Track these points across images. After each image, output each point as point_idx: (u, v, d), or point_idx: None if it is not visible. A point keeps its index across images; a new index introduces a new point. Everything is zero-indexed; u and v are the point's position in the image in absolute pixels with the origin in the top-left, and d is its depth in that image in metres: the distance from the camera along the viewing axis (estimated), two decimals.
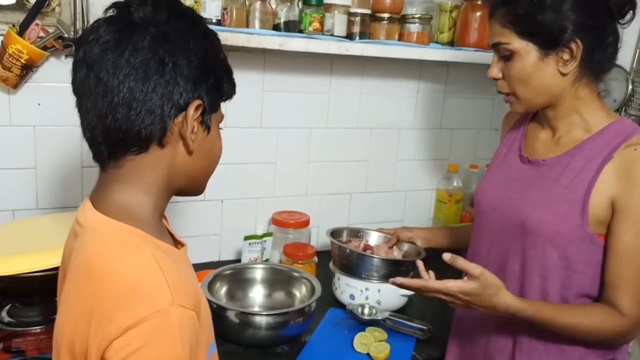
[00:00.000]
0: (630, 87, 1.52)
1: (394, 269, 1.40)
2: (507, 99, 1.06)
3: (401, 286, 1.06)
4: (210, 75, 0.72)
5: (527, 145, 1.12)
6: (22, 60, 1.30)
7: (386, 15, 1.52)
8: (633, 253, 0.95)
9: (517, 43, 0.98)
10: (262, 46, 1.37)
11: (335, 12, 1.45)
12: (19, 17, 1.33)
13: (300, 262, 1.49)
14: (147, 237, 0.70)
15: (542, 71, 0.99)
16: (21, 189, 1.42)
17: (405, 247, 1.49)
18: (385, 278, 1.39)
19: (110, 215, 0.70)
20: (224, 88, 0.75)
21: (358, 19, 1.49)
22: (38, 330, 1.14)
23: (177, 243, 0.82)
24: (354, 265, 1.40)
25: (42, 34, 1.33)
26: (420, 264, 1.06)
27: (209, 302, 1.18)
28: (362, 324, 1.34)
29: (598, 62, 1.00)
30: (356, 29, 1.49)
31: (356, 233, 1.56)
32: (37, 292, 1.15)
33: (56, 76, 1.39)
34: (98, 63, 0.67)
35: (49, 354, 1.07)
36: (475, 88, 1.92)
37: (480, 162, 1.95)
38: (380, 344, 1.24)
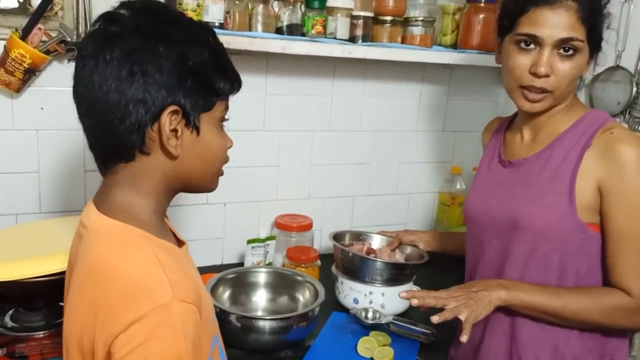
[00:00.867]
0: (634, 89, 1.52)
1: (398, 273, 1.40)
2: (541, 97, 1.00)
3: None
4: (188, 78, 0.71)
5: (507, 150, 1.14)
6: (25, 65, 1.30)
7: (389, 18, 1.51)
8: (630, 234, 0.96)
9: (585, 42, 0.98)
10: (265, 49, 1.37)
11: (338, 15, 1.45)
12: (22, 21, 1.33)
13: (303, 265, 1.48)
14: (149, 236, 0.72)
15: (582, 73, 1.02)
16: (24, 193, 1.42)
17: (408, 250, 1.49)
18: (388, 281, 1.38)
19: (112, 216, 0.72)
20: (214, 86, 0.74)
21: (361, 21, 1.48)
22: (41, 336, 1.13)
23: (180, 242, 0.83)
24: (357, 269, 1.40)
25: (44, 38, 1.33)
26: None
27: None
28: (366, 328, 1.33)
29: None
30: (359, 31, 1.49)
31: (358, 236, 1.56)
32: (41, 297, 1.15)
33: (59, 80, 1.38)
34: (82, 76, 0.70)
35: (52, 359, 1.07)
36: (479, 90, 1.91)
37: None
38: (384, 349, 1.23)
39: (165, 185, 0.75)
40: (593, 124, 1.00)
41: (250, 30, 1.39)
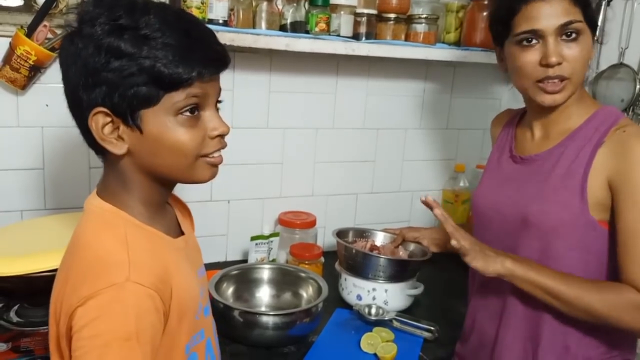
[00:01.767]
0: (638, 86, 1.51)
1: (401, 269, 1.40)
2: (561, 86, 0.98)
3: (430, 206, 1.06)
4: (102, 82, 0.67)
5: (518, 146, 1.13)
6: (30, 62, 1.31)
7: (392, 15, 1.52)
8: (638, 228, 0.94)
9: (584, 23, 0.98)
10: (269, 47, 1.38)
11: (342, 12, 1.45)
12: (27, 18, 1.34)
13: (306, 262, 1.49)
14: (129, 218, 0.73)
15: (591, 56, 1.01)
16: (29, 189, 1.43)
17: (411, 247, 1.49)
18: (391, 278, 1.39)
19: (104, 198, 0.75)
20: (163, 74, 0.67)
21: (364, 19, 1.49)
22: (46, 330, 1.13)
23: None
24: (361, 266, 1.40)
25: (50, 35, 1.34)
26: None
27: (216, 301, 1.19)
28: (369, 325, 1.34)
29: None
30: (362, 29, 1.49)
31: (362, 233, 1.56)
32: (45, 292, 1.14)
33: None
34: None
35: None
36: (482, 88, 1.91)
37: (486, 162, 1.94)
38: (387, 345, 1.23)
39: (144, 177, 0.74)
40: (605, 121, 1.00)
41: (254, 27, 1.39)
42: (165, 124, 0.70)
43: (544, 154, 1.05)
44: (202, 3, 1.33)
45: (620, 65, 1.57)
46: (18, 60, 1.30)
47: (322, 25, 1.42)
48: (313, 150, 1.74)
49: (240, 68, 1.56)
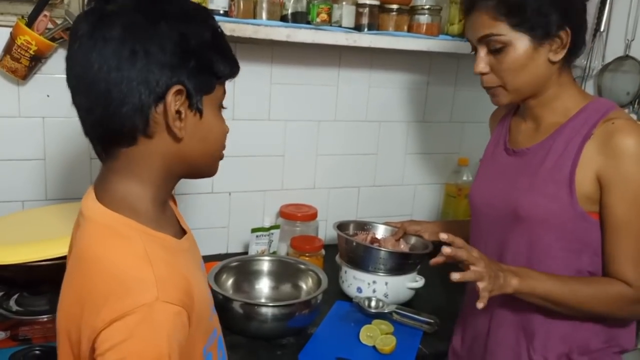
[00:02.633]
0: None
1: (401, 262, 1.39)
2: (494, 91, 1.04)
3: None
4: (191, 58, 0.69)
5: (512, 138, 1.13)
6: (31, 52, 1.31)
7: (395, 6, 1.50)
8: (628, 224, 0.95)
9: (510, 34, 0.97)
10: (270, 37, 1.37)
11: (344, 3, 1.44)
12: (28, 8, 1.34)
13: (307, 254, 1.48)
14: (143, 228, 0.69)
15: (535, 61, 0.98)
16: (30, 180, 1.43)
17: (412, 240, 1.48)
18: (392, 271, 1.38)
19: (108, 205, 0.70)
20: (215, 68, 0.71)
21: (366, 10, 1.47)
22: (45, 319, 1.14)
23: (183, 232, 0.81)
24: (361, 259, 1.40)
25: (50, 25, 1.33)
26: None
27: (215, 293, 1.19)
28: (369, 317, 1.33)
29: (579, 46, 1.02)
30: (364, 20, 1.48)
31: (363, 226, 1.55)
32: (45, 281, 1.16)
33: (65, 67, 1.39)
34: (75, 58, 0.67)
35: (55, 342, 1.08)
36: None
37: None
38: (386, 337, 1.23)
39: (166, 171, 0.73)
40: (595, 114, 0.99)
41: (254, 18, 1.38)
42: (215, 113, 0.74)
43: (535, 147, 1.05)
44: None
45: (626, 57, 1.55)
46: (19, 50, 1.30)
47: (324, 16, 1.41)
48: (315, 143, 1.73)
49: (242, 59, 1.51)
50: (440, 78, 1.84)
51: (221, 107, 0.76)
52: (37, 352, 1.05)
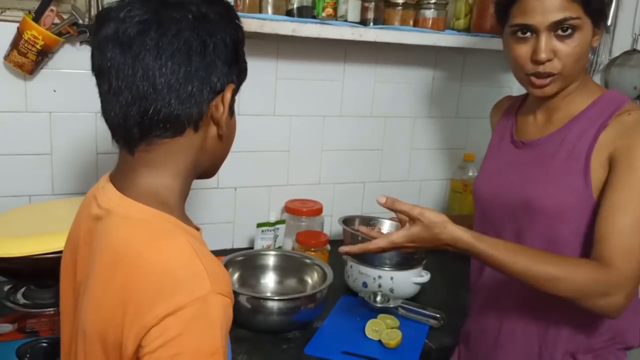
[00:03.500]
0: None
1: (407, 257, 1.39)
2: (549, 81, 0.98)
3: (348, 254, 1.05)
4: (239, 60, 0.72)
5: (519, 131, 1.11)
6: (38, 47, 1.31)
7: (401, 0, 1.50)
8: (626, 205, 0.90)
9: (583, 18, 0.96)
10: (275, 32, 1.37)
11: None
12: (34, 3, 1.34)
13: (312, 249, 1.48)
14: (178, 223, 0.69)
15: (589, 47, 0.99)
16: (37, 174, 1.44)
17: None
18: (397, 266, 1.38)
19: (138, 199, 0.68)
20: (244, 74, 0.75)
21: (372, 4, 1.47)
22: (52, 312, 1.15)
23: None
24: (367, 253, 1.39)
25: (57, 20, 1.34)
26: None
27: None
28: (375, 312, 1.33)
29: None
30: (370, 14, 1.48)
31: (368, 221, 1.55)
32: (52, 274, 1.15)
33: (71, 62, 1.40)
34: (137, 42, 0.64)
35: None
36: (492, 76, 1.89)
37: None
38: (392, 331, 1.23)
39: (194, 166, 0.73)
40: (610, 105, 0.99)
41: (260, 12, 1.38)
42: (229, 105, 0.72)
43: (546, 137, 1.03)
44: None
45: (633, 51, 1.54)
46: (25, 45, 1.31)
47: (329, 10, 1.41)
48: (320, 138, 1.73)
49: (247, 54, 1.53)
50: (446, 73, 1.84)
51: None
52: (44, 344, 1.06)
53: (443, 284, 1.51)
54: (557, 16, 0.94)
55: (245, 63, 0.75)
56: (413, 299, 1.40)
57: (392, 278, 1.38)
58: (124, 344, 0.62)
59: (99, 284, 0.67)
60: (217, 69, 0.67)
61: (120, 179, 0.72)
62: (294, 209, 1.62)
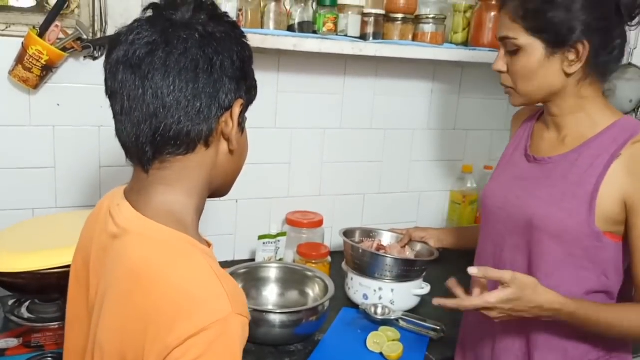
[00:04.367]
0: None
1: (407, 269, 1.40)
2: (507, 91, 1.07)
3: (441, 306, 1.03)
4: (247, 77, 0.73)
5: (533, 144, 1.13)
6: (42, 62, 1.33)
7: (400, 15, 1.52)
8: None
9: (524, 39, 0.98)
10: (277, 47, 1.39)
11: (349, 12, 1.46)
12: (39, 18, 1.36)
13: (313, 261, 1.50)
14: (195, 243, 0.70)
15: (546, 69, 0.98)
16: (41, 188, 1.45)
17: (418, 247, 1.49)
18: (398, 278, 1.39)
19: (155, 219, 0.70)
20: (253, 91, 0.76)
21: (372, 19, 1.49)
22: (56, 326, 1.16)
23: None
24: (367, 265, 1.41)
25: (61, 35, 1.36)
26: (452, 282, 1.03)
27: None
28: (376, 324, 1.34)
29: (604, 63, 0.99)
30: (370, 29, 1.50)
31: (369, 233, 1.56)
32: (56, 289, 1.17)
33: (75, 77, 1.41)
34: (146, 63, 0.67)
35: None
36: (490, 89, 1.91)
37: (494, 163, 1.91)
38: (393, 344, 1.24)
39: (208, 183, 0.74)
40: (624, 133, 0.98)
41: (262, 27, 1.40)
42: (238, 121, 0.74)
43: (558, 157, 1.04)
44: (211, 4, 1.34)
45: (629, 65, 1.57)
46: (30, 60, 1.32)
47: (330, 26, 1.43)
48: (320, 150, 1.75)
49: None
50: (445, 86, 1.86)
51: None
52: (50, 358, 1.07)
53: (443, 295, 1.52)
54: (501, 33, 1.02)
55: (254, 80, 0.76)
56: (413, 311, 1.41)
57: (392, 290, 1.39)
58: None
59: (117, 303, 0.69)
60: (224, 85, 0.69)
61: (136, 197, 0.73)
62: (295, 221, 1.64)
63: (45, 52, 1.32)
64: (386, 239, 1.55)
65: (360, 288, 1.42)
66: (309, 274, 1.40)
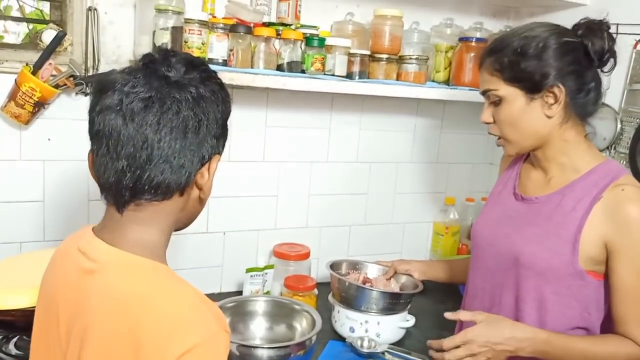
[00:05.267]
0: (619, 125, 1.57)
1: (393, 302, 1.43)
2: (499, 142, 1.12)
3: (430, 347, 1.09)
4: (226, 133, 0.81)
5: (521, 183, 1.18)
6: (35, 98, 1.35)
7: (384, 56, 1.58)
8: (636, 289, 1.00)
9: (504, 89, 1.05)
10: (266, 85, 1.43)
11: (336, 53, 1.51)
12: (32, 55, 1.39)
13: (300, 294, 1.51)
14: (172, 272, 0.76)
15: (528, 114, 1.05)
16: (29, 221, 1.46)
17: (403, 279, 1.52)
18: (384, 311, 1.42)
19: (135, 253, 0.74)
20: (225, 141, 0.83)
21: (358, 59, 1.55)
22: None
23: None
24: (354, 298, 1.43)
25: (54, 72, 1.38)
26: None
27: None
28: (362, 357, 1.36)
29: (582, 105, 1.05)
30: (356, 68, 1.55)
31: (355, 265, 1.59)
32: None
33: (66, 112, 1.44)
34: (140, 117, 0.71)
35: None
36: (470, 124, 1.97)
37: (475, 195, 2.00)
38: None
39: (175, 222, 0.80)
40: (606, 176, 1.03)
41: (252, 66, 1.45)
42: (213, 173, 0.80)
43: (544, 198, 1.09)
44: (203, 43, 1.39)
45: (602, 105, 1.63)
46: (23, 97, 1.34)
47: (318, 65, 1.48)
48: (308, 183, 1.78)
49: (238, 103, 1.61)
50: (427, 121, 1.92)
51: None
52: None
53: (428, 327, 1.55)
54: (483, 86, 1.10)
55: (226, 131, 0.82)
56: (399, 344, 1.44)
57: (378, 323, 1.42)
58: None
59: (104, 331, 0.71)
60: (207, 143, 0.76)
61: (109, 234, 0.76)
62: (282, 254, 1.66)
63: (38, 89, 1.34)
64: (372, 271, 1.58)
65: (347, 321, 1.44)
66: (297, 307, 1.41)
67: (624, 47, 1.48)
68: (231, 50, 1.42)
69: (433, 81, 1.72)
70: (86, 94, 1.44)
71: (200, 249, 1.67)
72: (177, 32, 1.36)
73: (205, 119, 0.74)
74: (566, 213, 1.04)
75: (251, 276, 1.59)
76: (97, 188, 0.77)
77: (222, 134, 0.79)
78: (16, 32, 1.76)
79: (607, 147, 1.59)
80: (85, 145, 0.75)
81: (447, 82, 1.73)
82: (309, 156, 1.76)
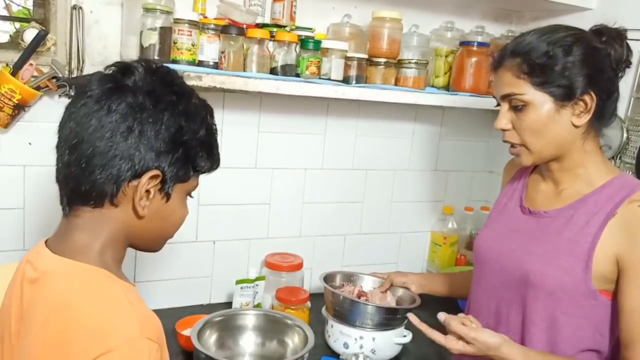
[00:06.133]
0: (625, 135, 1.53)
1: (389, 317, 1.37)
2: (515, 151, 1.04)
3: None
4: (179, 149, 0.75)
5: (528, 196, 1.12)
6: (15, 100, 1.28)
7: (382, 60, 1.52)
8: None
9: (531, 94, 0.97)
10: (259, 90, 1.37)
11: (333, 56, 1.45)
12: (13, 55, 1.32)
13: (292, 307, 1.45)
14: (112, 275, 0.74)
15: (556, 122, 0.98)
16: (8, 229, 1.39)
17: (400, 292, 1.46)
18: (379, 326, 1.36)
19: (73, 258, 0.73)
20: (198, 163, 0.78)
21: (355, 63, 1.49)
22: None
23: None
24: (348, 313, 1.37)
25: (35, 73, 1.32)
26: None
27: (198, 351, 1.15)
28: None
29: (606, 115, 1.01)
30: (353, 72, 1.50)
31: (349, 277, 1.53)
32: None
33: (49, 115, 1.37)
34: (75, 114, 0.73)
35: None
36: (470, 131, 1.92)
37: (475, 204, 1.94)
38: None
39: (124, 236, 0.78)
40: (620, 191, 0.98)
41: (244, 69, 1.38)
42: (181, 199, 0.80)
43: (554, 212, 1.03)
44: (193, 45, 1.33)
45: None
46: (2, 99, 1.28)
47: (313, 69, 1.42)
48: (301, 191, 1.72)
49: (230, 108, 1.55)
50: (426, 127, 1.86)
51: (189, 195, 0.82)
52: None
53: (425, 343, 1.48)
54: (504, 90, 1.00)
55: (195, 153, 0.77)
56: None
57: (374, 339, 1.36)
58: None
59: (36, 337, 0.70)
60: (139, 152, 0.72)
61: (56, 242, 0.77)
62: (274, 264, 1.59)
63: (17, 91, 1.28)
64: (367, 283, 1.52)
65: (341, 336, 1.38)
66: (289, 322, 1.35)
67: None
68: (222, 52, 1.36)
69: (432, 86, 1.67)
70: (70, 97, 1.38)
71: (189, 259, 1.60)
72: (165, 32, 1.30)
73: (137, 128, 0.72)
74: (578, 229, 0.98)
75: (241, 288, 1.53)
76: None
77: (168, 150, 0.74)
78: (7, 32, 1.70)
79: (613, 157, 1.54)
80: None
81: (447, 88, 1.67)
82: (303, 163, 1.70)
